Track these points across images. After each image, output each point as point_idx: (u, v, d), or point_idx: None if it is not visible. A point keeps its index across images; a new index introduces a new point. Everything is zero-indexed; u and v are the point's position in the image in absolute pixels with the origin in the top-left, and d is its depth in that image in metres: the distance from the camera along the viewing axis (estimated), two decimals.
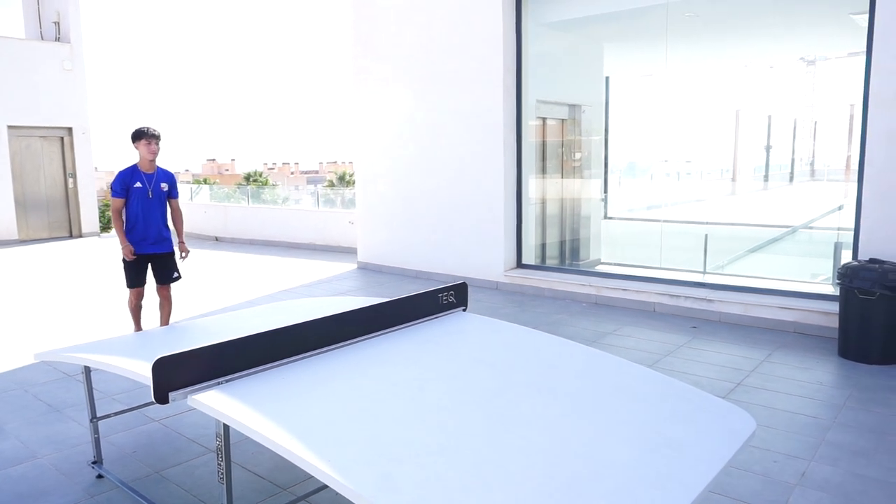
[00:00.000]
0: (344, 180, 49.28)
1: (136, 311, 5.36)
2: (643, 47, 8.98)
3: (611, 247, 9.31)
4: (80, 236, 14.08)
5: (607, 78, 8.94)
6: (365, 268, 9.43)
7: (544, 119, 8.42)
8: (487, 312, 6.35)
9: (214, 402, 2.17)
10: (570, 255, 8.89)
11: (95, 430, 3.36)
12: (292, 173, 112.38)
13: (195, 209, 14.20)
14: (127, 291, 5.31)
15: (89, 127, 14.19)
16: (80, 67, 14.10)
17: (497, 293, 7.60)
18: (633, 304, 6.77)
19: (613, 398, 2.52)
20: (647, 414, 2.41)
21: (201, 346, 2.29)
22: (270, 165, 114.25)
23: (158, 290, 5.34)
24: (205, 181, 46.68)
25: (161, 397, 2.18)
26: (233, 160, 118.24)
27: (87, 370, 3.25)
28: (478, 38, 7.72)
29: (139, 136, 5.02)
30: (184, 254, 5.34)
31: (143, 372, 2.37)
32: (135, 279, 5.23)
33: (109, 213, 5.22)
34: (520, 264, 7.97)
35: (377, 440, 2.03)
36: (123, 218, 5.08)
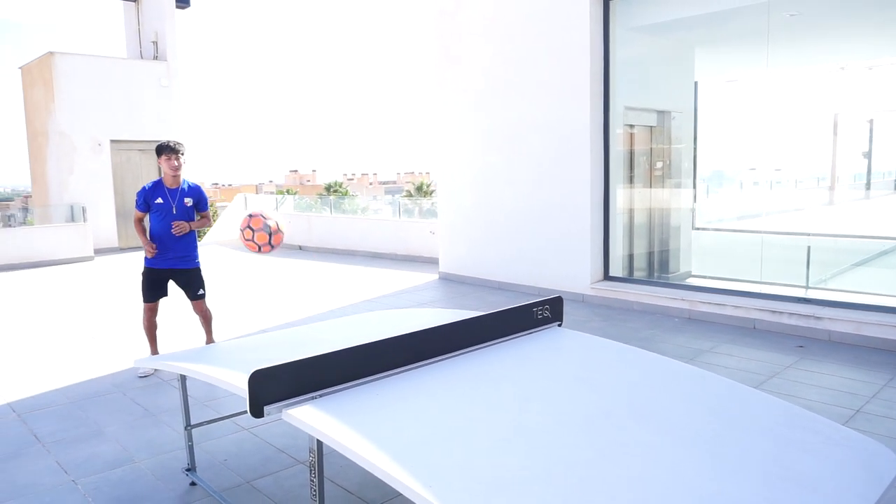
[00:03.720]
0: (421, 190, 49.74)
1: (150, 329, 5.12)
2: (736, 50, 8.54)
3: (701, 259, 8.86)
4: None
5: (696, 83, 8.55)
6: (446, 278, 9.37)
7: (632, 126, 8.13)
8: (574, 326, 6.13)
9: (309, 417, 2.11)
10: (658, 267, 8.52)
11: (189, 438, 3.39)
12: (371, 184, 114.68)
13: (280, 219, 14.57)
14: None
15: (183, 139, 14.86)
16: (176, 84, 14.82)
17: (583, 306, 7.35)
18: (731, 319, 6.38)
19: (729, 425, 2.30)
20: (771, 445, 2.17)
21: (295, 360, 2.24)
22: (350, 176, 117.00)
23: (194, 308, 5.24)
24: (288, 192, 48.20)
25: (256, 411, 2.14)
26: (314, 171, 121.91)
27: (183, 378, 3.29)
28: (563, 46, 7.53)
29: (160, 151, 4.93)
30: (176, 230, 4.91)
31: (239, 384, 2.34)
32: (149, 293, 5.02)
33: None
34: (607, 276, 7.69)
35: (476, 463, 1.90)
36: (146, 225, 5.02)
